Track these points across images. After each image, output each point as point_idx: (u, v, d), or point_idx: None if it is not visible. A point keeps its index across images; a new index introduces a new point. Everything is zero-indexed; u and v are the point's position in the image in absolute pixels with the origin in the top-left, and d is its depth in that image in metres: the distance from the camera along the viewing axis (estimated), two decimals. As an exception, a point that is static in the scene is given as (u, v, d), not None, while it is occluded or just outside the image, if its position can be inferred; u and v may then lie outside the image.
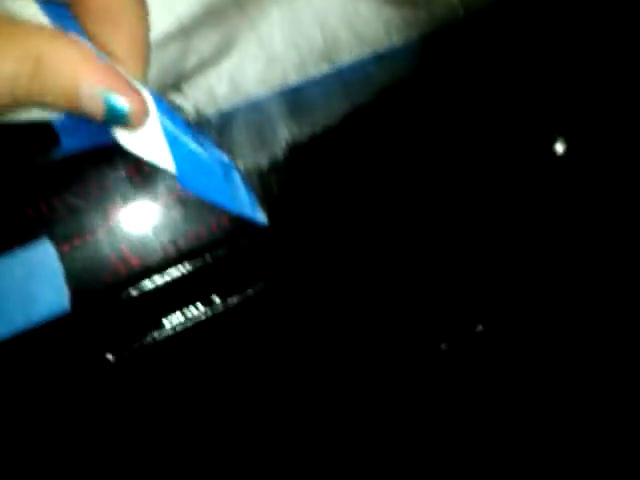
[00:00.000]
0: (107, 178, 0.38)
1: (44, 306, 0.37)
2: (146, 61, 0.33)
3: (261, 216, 0.35)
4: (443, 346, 0.52)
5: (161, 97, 0.35)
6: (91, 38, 0.31)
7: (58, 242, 0.37)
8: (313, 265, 0.42)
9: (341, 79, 0.39)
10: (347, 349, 0.47)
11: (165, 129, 0.33)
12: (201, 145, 0.34)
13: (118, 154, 0.37)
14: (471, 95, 0.42)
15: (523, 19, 0.43)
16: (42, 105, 0.30)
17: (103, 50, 0.31)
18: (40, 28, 0.28)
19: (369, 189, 0.41)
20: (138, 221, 0.38)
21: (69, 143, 0.38)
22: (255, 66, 0.38)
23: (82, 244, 0.37)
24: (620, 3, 0.45)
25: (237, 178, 0.35)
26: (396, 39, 0.39)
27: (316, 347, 0.46)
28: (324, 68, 0.39)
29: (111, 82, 0.29)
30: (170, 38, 0.37)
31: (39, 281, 0.37)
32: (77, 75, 0.28)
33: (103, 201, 0.38)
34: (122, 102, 0.30)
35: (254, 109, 0.38)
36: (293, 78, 0.39)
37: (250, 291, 0.40)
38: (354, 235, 0.42)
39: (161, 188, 0.38)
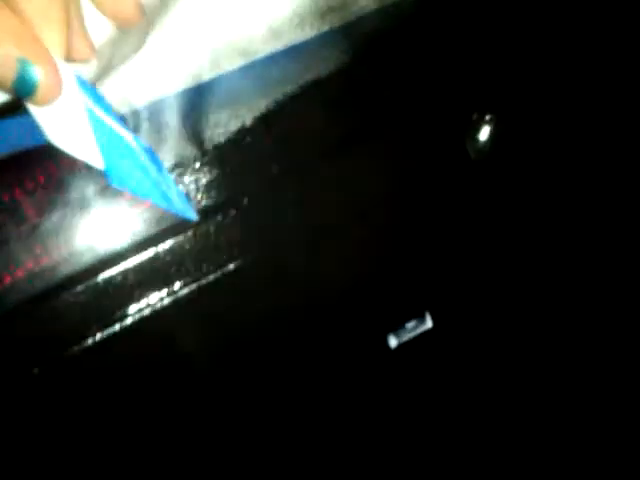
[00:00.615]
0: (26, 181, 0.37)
1: None
2: (65, 33, 0.30)
3: (191, 211, 0.35)
4: (392, 343, 0.51)
5: (86, 81, 0.34)
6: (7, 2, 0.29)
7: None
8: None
9: (256, 72, 0.39)
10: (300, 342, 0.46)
11: (90, 111, 0.32)
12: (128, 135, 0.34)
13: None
14: (389, 83, 0.42)
15: (437, 11, 0.43)
16: None
17: (21, 17, 0.29)
18: None
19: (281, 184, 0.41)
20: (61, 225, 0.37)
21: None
22: (169, 63, 0.38)
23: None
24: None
25: (165, 172, 0.35)
26: (309, 31, 0.40)
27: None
28: (238, 62, 0.39)
29: (29, 49, 0.28)
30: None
31: None
32: None
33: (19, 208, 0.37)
34: (36, 72, 0.29)
35: (167, 105, 0.38)
36: (208, 74, 0.38)
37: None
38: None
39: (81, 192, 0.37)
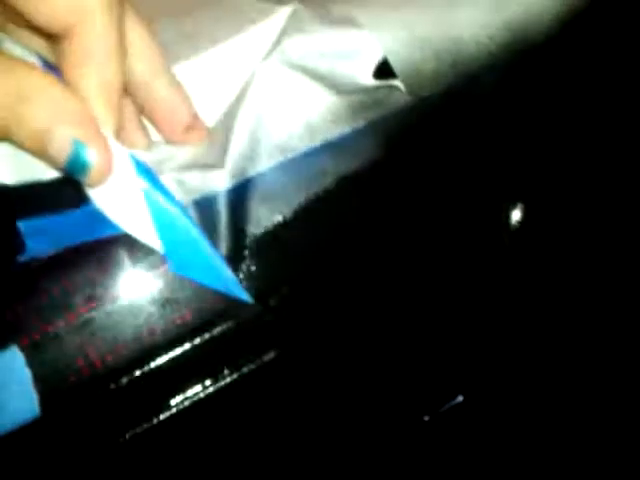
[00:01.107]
0: (77, 276, 0.39)
1: (13, 414, 0.37)
2: (118, 113, 0.32)
3: (247, 295, 0.37)
4: (426, 418, 0.51)
5: (144, 163, 0.35)
6: (68, 82, 0.31)
7: (24, 348, 0.37)
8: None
9: (294, 168, 0.41)
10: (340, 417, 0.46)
11: (147, 193, 0.34)
12: (185, 217, 0.36)
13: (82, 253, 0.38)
14: (424, 175, 0.43)
15: (472, 105, 0.45)
16: (12, 142, 0.30)
17: (80, 96, 0.31)
18: (30, 67, 0.29)
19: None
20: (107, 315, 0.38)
21: (35, 246, 0.39)
22: (219, 161, 0.40)
23: (47, 344, 0.38)
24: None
25: (221, 258, 0.37)
26: (344, 127, 0.41)
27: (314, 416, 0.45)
28: (278, 159, 0.41)
29: (85, 131, 0.29)
30: None
31: (7, 390, 0.37)
32: (54, 119, 0.29)
33: (71, 301, 0.38)
34: (89, 154, 0.30)
35: (215, 201, 0.39)
36: (251, 171, 0.40)
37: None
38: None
39: (129, 283, 0.38)
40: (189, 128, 0.40)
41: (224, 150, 0.39)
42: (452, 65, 0.44)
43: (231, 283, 0.37)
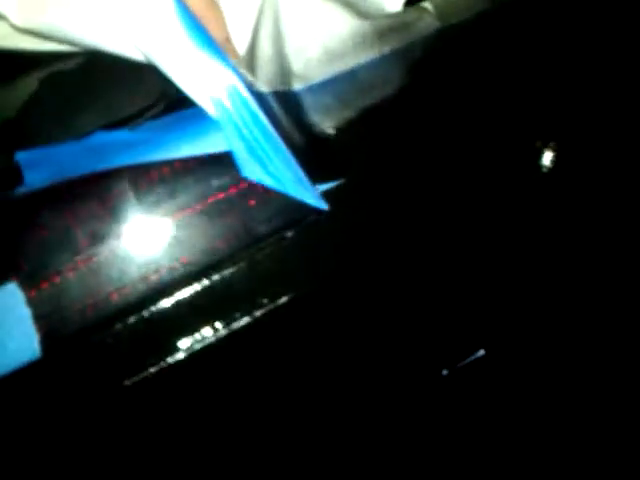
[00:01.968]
0: (79, 210, 0.36)
1: (14, 354, 0.35)
2: None
3: (321, 201, 0.35)
4: (444, 372, 0.50)
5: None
6: None
7: (26, 285, 0.35)
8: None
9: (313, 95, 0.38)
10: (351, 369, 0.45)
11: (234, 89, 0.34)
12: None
13: (83, 187, 0.35)
14: (451, 107, 0.40)
15: (499, 31, 0.42)
16: None
17: None
18: None
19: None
20: (115, 255, 0.36)
21: (33, 177, 0.36)
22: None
23: (52, 286, 0.35)
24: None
25: (294, 163, 0.35)
26: (369, 53, 0.38)
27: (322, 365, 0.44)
28: (298, 85, 0.38)
29: None
30: None
31: (6, 328, 0.35)
32: None
33: (73, 237, 0.36)
34: None
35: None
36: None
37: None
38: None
39: (135, 220, 0.36)
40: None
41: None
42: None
43: (307, 189, 0.35)
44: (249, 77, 0.40)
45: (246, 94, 0.33)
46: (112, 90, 0.44)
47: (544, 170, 0.42)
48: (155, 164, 0.37)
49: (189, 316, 0.36)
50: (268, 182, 0.35)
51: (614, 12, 0.42)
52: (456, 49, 0.40)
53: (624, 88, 0.45)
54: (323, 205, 0.35)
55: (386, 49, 0.39)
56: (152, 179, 0.37)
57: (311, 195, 0.35)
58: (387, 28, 0.39)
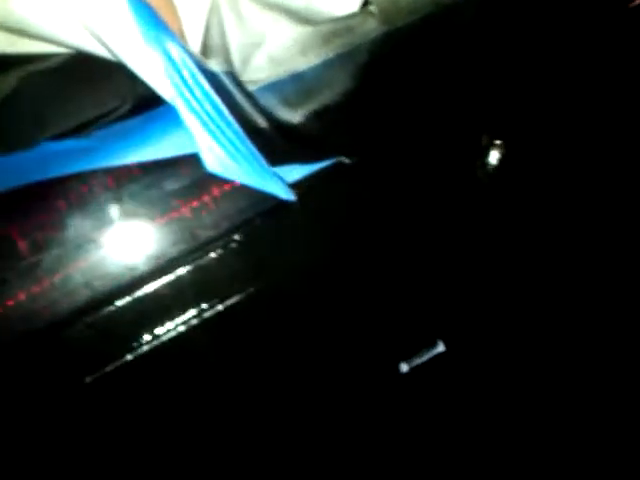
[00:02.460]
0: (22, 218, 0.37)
1: None
2: None
3: (288, 191, 0.36)
4: (403, 368, 0.50)
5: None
6: None
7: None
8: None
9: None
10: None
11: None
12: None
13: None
14: (397, 107, 0.41)
15: (443, 34, 0.42)
16: None
17: None
18: None
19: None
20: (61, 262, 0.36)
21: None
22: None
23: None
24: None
25: (258, 154, 0.36)
26: (313, 58, 0.39)
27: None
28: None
29: None
30: None
31: None
32: None
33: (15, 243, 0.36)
34: None
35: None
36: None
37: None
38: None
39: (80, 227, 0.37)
40: None
41: None
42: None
43: (274, 180, 0.36)
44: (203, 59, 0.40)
45: (195, 69, 0.34)
46: (80, 92, 0.44)
47: (490, 168, 0.43)
48: (107, 170, 0.37)
49: (127, 324, 0.37)
50: (232, 175, 0.35)
51: (555, 13, 0.43)
52: (401, 51, 0.41)
53: (568, 87, 0.45)
54: (290, 196, 0.36)
55: (331, 53, 0.39)
56: (101, 186, 0.37)
57: (277, 186, 0.36)
58: (331, 33, 0.39)
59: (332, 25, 0.40)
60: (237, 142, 0.35)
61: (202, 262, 0.37)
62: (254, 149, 0.35)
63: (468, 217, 0.45)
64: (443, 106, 0.41)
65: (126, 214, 0.36)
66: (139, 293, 0.36)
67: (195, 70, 0.34)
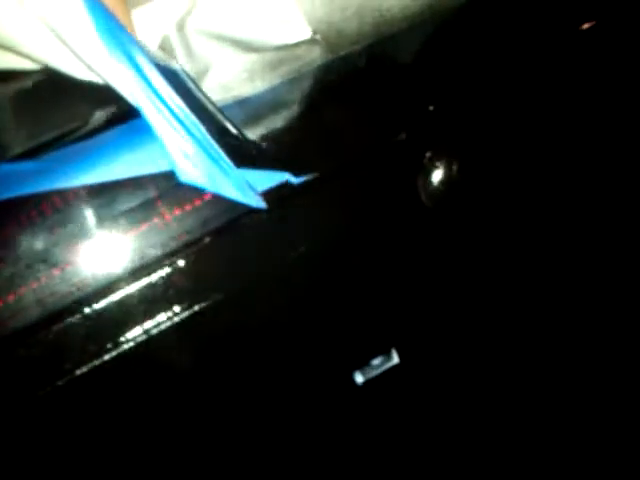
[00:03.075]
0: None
1: None
2: None
3: (260, 200, 0.36)
4: (358, 379, 0.51)
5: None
6: None
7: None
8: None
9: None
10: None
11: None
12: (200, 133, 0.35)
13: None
14: (342, 131, 0.43)
15: (386, 60, 0.44)
16: None
17: None
18: None
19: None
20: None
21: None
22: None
23: None
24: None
25: (230, 163, 0.36)
26: (259, 84, 0.41)
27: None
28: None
29: None
30: None
31: None
32: None
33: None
34: None
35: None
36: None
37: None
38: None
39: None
40: None
41: None
42: (374, 25, 0.44)
43: (243, 189, 0.36)
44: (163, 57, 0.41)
45: (153, 70, 0.34)
46: (39, 113, 0.45)
47: (435, 189, 0.44)
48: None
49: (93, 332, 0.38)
50: (204, 184, 0.35)
51: (501, 33, 0.46)
52: (345, 77, 0.43)
53: (512, 108, 0.48)
54: (261, 204, 0.36)
55: (277, 80, 0.41)
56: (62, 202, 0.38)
57: (248, 195, 0.36)
58: (278, 61, 0.42)
59: (278, 53, 0.42)
60: (207, 145, 0.35)
61: (150, 281, 0.38)
62: (223, 153, 0.36)
63: (412, 241, 0.46)
64: (383, 124, 0.43)
65: (78, 233, 0.37)
66: (87, 310, 0.37)
67: (157, 71, 0.35)
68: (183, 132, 0.35)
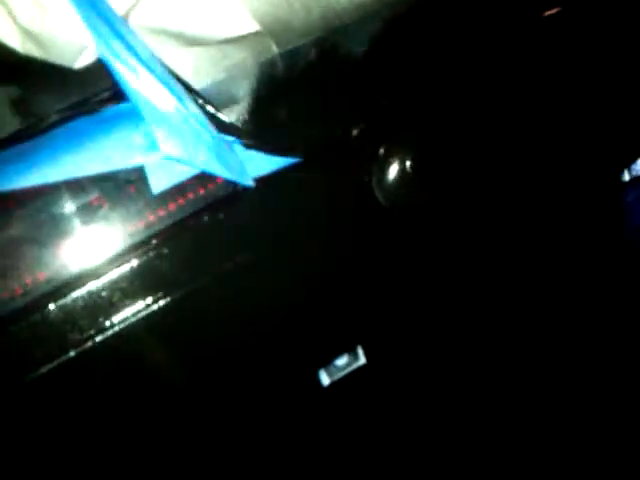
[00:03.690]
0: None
1: None
2: None
3: (247, 177, 0.36)
4: (325, 381, 0.50)
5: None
6: None
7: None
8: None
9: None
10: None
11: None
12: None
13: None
14: (292, 126, 0.42)
15: (334, 54, 0.43)
16: None
17: None
18: None
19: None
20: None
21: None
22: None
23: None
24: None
25: (219, 138, 0.35)
26: (204, 78, 0.40)
27: None
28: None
29: None
30: None
31: None
32: None
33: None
34: None
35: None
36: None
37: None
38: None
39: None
40: None
41: None
42: (322, 17, 0.42)
43: (231, 166, 0.35)
44: None
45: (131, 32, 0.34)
46: None
47: (390, 186, 0.43)
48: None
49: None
50: (187, 157, 0.33)
51: (462, 19, 0.44)
52: (293, 71, 0.42)
53: (483, 93, 0.47)
54: (249, 182, 0.35)
55: (222, 74, 0.40)
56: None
57: (233, 171, 0.35)
58: (222, 55, 0.40)
59: (222, 47, 0.40)
60: (190, 110, 0.34)
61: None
62: (206, 119, 0.35)
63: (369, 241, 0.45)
64: (334, 120, 0.42)
65: (29, 235, 0.37)
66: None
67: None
68: (166, 92, 0.33)
